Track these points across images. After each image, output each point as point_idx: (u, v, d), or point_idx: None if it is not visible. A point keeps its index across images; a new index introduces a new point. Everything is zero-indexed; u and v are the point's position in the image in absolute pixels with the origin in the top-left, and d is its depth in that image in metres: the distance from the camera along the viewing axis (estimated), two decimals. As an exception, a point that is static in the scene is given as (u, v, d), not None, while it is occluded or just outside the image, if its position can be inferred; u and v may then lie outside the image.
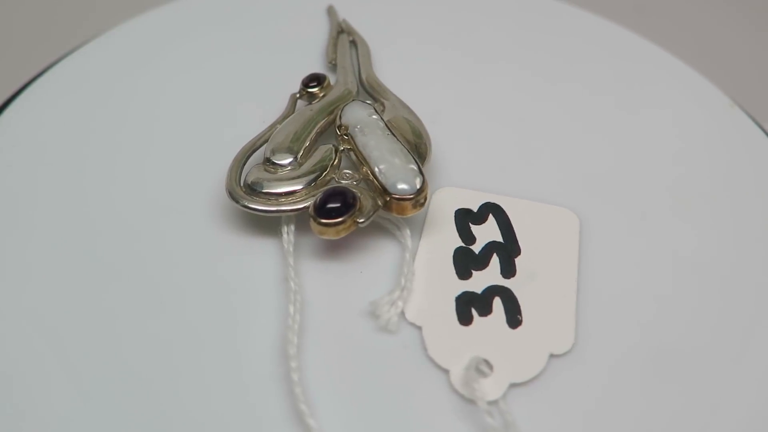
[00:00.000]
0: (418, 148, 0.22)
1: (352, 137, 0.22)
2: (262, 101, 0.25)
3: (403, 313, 0.20)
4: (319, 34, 0.28)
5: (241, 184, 0.21)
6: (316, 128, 0.23)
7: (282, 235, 0.21)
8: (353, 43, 0.27)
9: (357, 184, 0.21)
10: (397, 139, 0.22)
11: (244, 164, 0.22)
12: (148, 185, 0.22)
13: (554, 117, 0.26)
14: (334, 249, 0.21)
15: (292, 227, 0.21)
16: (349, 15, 0.29)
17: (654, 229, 0.22)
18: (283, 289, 0.20)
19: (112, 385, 0.18)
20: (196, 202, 0.22)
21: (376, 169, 0.21)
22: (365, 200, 0.21)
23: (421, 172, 0.21)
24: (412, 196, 0.20)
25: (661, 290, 0.21)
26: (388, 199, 0.20)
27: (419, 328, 0.19)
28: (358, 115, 0.22)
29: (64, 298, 0.19)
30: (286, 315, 0.19)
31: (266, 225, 0.21)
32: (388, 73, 0.27)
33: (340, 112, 0.23)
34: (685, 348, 0.20)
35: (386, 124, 0.22)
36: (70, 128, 0.24)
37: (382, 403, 0.18)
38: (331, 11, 0.29)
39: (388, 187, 0.20)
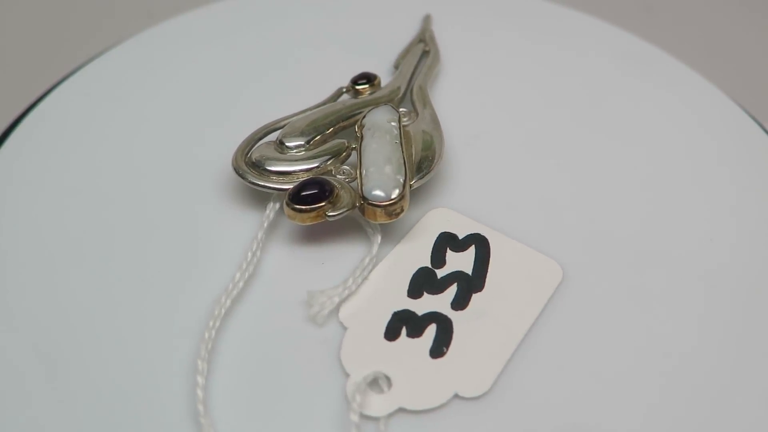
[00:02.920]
0: (421, 162, 0.22)
1: (362, 137, 0.22)
2: (318, 92, 0.26)
3: (337, 311, 0.20)
4: (407, 39, 0.29)
5: (247, 158, 0.23)
6: (340, 122, 0.24)
7: (264, 211, 0.22)
8: (426, 53, 0.27)
9: (349, 182, 0.22)
10: (402, 149, 0.22)
11: (259, 140, 0.23)
12: (174, 143, 0.24)
13: (591, 169, 0.24)
14: (308, 236, 0.22)
15: (277, 206, 0.22)
16: (441, 21, 0.29)
17: (638, 309, 0.21)
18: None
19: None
20: (209, 171, 0.23)
21: (364, 171, 0.21)
22: (345, 196, 0.21)
23: (404, 186, 0.21)
24: (383, 204, 0.21)
25: (611, 374, 0.19)
26: (362, 202, 0.21)
27: (346, 329, 0.20)
28: (378, 119, 0.23)
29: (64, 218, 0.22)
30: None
31: (263, 200, 0.22)
32: (449, 87, 0.27)
33: (366, 111, 0.23)
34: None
35: (400, 133, 0.23)
36: (118, 98, 0.26)
37: (271, 384, 0.19)
38: (426, 20, 0.29)
39: (364, 190, 0.21)
